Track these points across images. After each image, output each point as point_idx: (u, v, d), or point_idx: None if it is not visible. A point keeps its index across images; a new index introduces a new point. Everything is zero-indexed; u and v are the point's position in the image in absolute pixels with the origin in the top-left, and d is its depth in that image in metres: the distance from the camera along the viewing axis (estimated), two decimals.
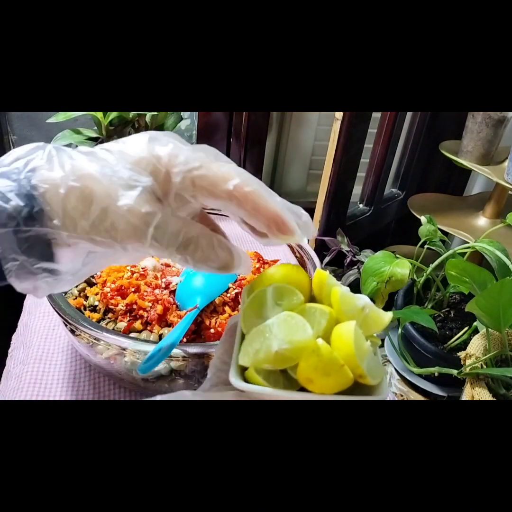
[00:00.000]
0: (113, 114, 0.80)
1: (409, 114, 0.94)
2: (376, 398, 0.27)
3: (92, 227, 0.27)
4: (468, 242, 0.69)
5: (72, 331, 0.47)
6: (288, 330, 0.27)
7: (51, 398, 0.49)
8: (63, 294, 0.50)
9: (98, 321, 0.50)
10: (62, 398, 0.50)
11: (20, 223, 0.26)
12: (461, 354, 0.52)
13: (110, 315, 0.50)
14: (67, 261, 0.28)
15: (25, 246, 0.27)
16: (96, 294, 0.52)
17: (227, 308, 0.50)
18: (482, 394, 0.48)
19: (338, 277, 0.75)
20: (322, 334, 0.28)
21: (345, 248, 0.74)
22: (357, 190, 0.86)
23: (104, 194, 0.27)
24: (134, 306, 0.49)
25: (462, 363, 0.52)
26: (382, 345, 0.74)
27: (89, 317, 0.49)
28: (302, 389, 0.28)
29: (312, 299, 0.31)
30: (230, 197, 0.28)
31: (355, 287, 0.70)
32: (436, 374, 0.59)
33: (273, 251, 0.64)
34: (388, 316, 0.30)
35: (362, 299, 0.29)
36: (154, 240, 0.27)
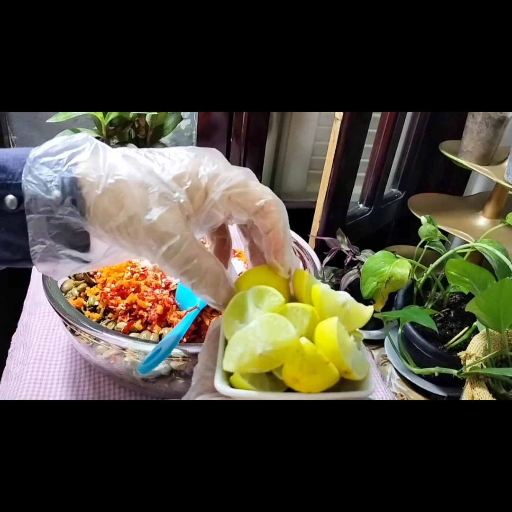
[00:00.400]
0: (113, 114, 0.80)
1: (409, 114, 0.94)
2: (364, 393, 0.27)
3: (117, 229, 0.28)
4: (468, 242, 0.69)
5: (72, 331, 0.47)
6: (271, 331, 0.27)
7: (51, 398, 0.49)
8: (63, 294, 0.50)
9: (98, 321, 0.50)
10: (62, 398, 0.50)
11: (54, 211, 0.28)
12: (461, 354, 0.52)
13: (110, 315, 0.50)
14: (90, 250, 0.30)
15: (55, 233, 0.28)
16: (96, 294, 0.52)
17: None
18: (482, 394, 0.48)
19: (338, 277, 0.75)
20: (305, 333, 0.28)
21: (345, 248, 0.74)
22: (357, 190, 0.86)
23: (135, 203, 0.28)
24: (134, 306, 0.49)
25: (462, 363, 0.52)
26: (382, 345, 0.74)
27: (89, 317, 0.49)
28: (289, 390, 0.28)
29: (291, 299, 0.31)
30: (258, 212, 0.31)
31: (355, 287, 0.70)
32: (436, 374, 0.59)
33: None
34: (369, 310, 0.30)
35: (343, 295, 0.30)
36: (164, 258, 0.29)
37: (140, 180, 0.28)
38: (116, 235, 0.29)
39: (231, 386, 0.27)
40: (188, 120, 1.02)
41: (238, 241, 0.68)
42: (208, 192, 0.30)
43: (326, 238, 0.75)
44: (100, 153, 0.29)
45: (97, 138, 0.83)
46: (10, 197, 0.27)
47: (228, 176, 0.30)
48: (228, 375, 0.28)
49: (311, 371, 0.26)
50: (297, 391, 0.27)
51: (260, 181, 1.07)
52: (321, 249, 0.78)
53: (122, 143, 0.85)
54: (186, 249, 0.29)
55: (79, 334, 0.46)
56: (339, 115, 0.71)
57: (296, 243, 0.62)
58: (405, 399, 0.65)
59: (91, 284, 0.54)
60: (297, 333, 0.27)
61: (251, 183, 0.31)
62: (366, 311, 0.30)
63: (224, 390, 0.27)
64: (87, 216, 0.28)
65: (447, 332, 0.65)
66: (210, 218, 0.31)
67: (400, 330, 0.66)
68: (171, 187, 0.29)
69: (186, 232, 0.29)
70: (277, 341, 0.26)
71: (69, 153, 0.28)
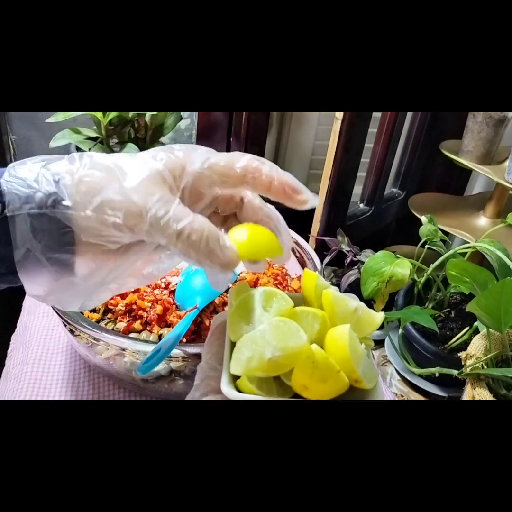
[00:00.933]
0: (112, 114, 0.80)
1: (409, 114, 0.93)
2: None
3: (100, 207, 0.27)
4: (468, 242, 0.69)
5: (72, 331, 0.47)
6: (281, 336, 0.26)
7: (51, 398, 0.49)
8: None
9: (98, 321, 0.49)
10: (62, 398, 0.50)
11: (36, 207, 0.27)
12: (462, 355, 0.52)
13: (109, 315, 0.50)
14: (82, 265, 0.29)
15: (38, 231, 0.27)
16: None
17: (227, 308, 0.50)
18: (482, 394, 0.48)
19: (339, 277, 0.74)
20: (315, 339, 0.27)
21: (345, 248, 0.73)
22: (357, 190, 0.86)
23: (115, 178, 0.28)
24: (134, 306, 0.49)
25: (462, 363, 0.52)
26: (382, 346, 0.74)
27: (88, 317, 0.49)
28: (296, 395, 0.27)
29: (300, 301, 0.31)
30: (245, 173, 0.30)
31: (355, 287, 0.70)
32: (437, 375, 0.59)
33: None
34: (380, 316, 0.30)
35: (354, 300, 0.29)
36: (154, 220, 0.27)
37: (118, 162, 0.28)
38: (100, 214, 0.27)
39: (238, 389, 0.27)
40: (188, 120, 1.02)
41: None
42: (186, 166, 0.29)
43: (326, 238, 0.75)
44: (77, 157, 0.29)
45: (97, 137, 0.83)
46: None
47: (202, 152, 0.30)
48: (234, 378, 0.27)
49: (321, 379, 0.26)
50: (305, 398, 0.27)
51: None
52: (321, 249, 0.78)
53: (122, 142, 0.85)
54: (177, 210, 0.27)
55: (79, 335, 0.46)
56: (339, 115, 0.71)
57: (296, 243, 0.62)
58: (406, 399, 0.65)
59: None
60: (308, 339, 0.26)
61: (220, 153, 0.30)
62: (377, 317, 0.29)
63: (231, 394, 0.26)
64: (68, 202, 0.27)
65: (448, 333, 0.65)
66: (195, 197, 0.30)
67: (400, 330, 0.66)
68: (149, 160, 0.29)
69: (173, 196, 0.28)
70: (287, 347, 0.26)
71: (47, 159, 0.29)
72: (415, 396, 0.65)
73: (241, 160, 0.30)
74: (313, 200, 0.31)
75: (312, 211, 0.80)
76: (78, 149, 0.82)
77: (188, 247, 0.27)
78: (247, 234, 0.29)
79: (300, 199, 0.31)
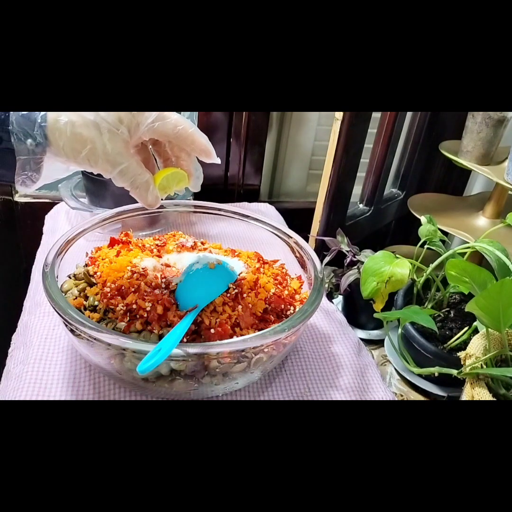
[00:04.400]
0: None
1: (409, 114, 0.94)
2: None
3: (81, 159, 0.40)
4: (468, 242, 0.69)
5: (72, 331, 0.47)
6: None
7: (51, 398, 0.49)
8: (63, 294, 0.50)
9: (98, 321, 0.50)
10: (62, 398, 0.50)
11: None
12: (461, 354, 0.52)
13: (110, 315, 0.50)
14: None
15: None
16: (96, 294, 0.52)
17: (227, 308, 0.50)
18: (482, 394, 0.48)
19: (338, 277, 0.75)
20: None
21: (345, 248, 0.74)
22: (357, 190, 0.86)
23: (94, 133, 0.40)
24: (134, 306, 0.49)
25: (462, 363, 0.52)
26: (382, 345, 0.74)
27: (89, 317, 0.49)
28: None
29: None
30: (177, 136, 0.45)
31: (355, 287, 0.70)
32: (436, 374, 0.59)
33: (273, 251, 0.64)
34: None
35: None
36: (117, 177, 0.42)
37: (92, 120, 0.40)
38: (80, 162, 0.40)
39: None
40: (188, 120, 1.02)
41: (241, 241, 0.69)
42: (140, 125, 0.42)
43: (326, 238, 0.75)
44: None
45: None
46: None
47: (152, 113, 0.42)
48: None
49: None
50: None
51: (260, 181, 1.06)
52: (321, 249, 0.78)
53: None
54: (132, 170, 0.42)
55: (79, 334, 0.46)
56: (339, 115, 0.71)
57: (296, 243, 0.62)
58: (405, 399, 0.65)
59: (91, 284, 0.54)
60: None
61: (166, 114, 0.43)
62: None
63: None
64: (55, 148, 0.39)
65: (447, 332, 0.65)
66: (139, 141, 0.46)
67: (400, 330, 0.66)
68: (115, 125, 0.41)
69: (130, 159, 0.42)
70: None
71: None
72: (414, 396, 0.65)
73: (177, 126, 0.45)
74: (214, 158, 0.47)
75: (312, 211, 0.81)
76: None
77: (133, 190, 0.44)
78: (163, 175, 0.47)
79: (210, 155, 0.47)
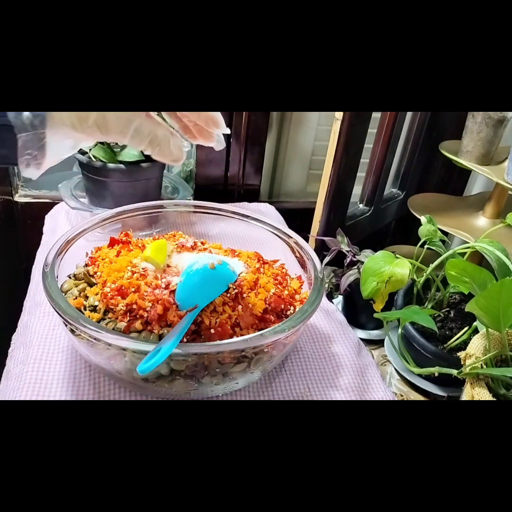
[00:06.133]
0: None
1: (409, 114, 0.94)
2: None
3: (85, 122, 0.37)
4: (468, 242, 0.69)
5: (72, 331, 0.47)
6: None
7: (51, 398, 0.49)
8: (63, 294, 0.50)
9: (98, 321, 0.50)
10: (62, 398, 0.50)
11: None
12: (461, 354, 0.52)
13: (110, 315, 0.50)
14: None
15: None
16: (96, 294, 0.52)
17: (227, 308, 0.50)
18: (482, 394, 0.48)
19: (338, 277, 0.75)
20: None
21: (345, 248, 0.74)
22: (357, 190, 0.86)
23: None
24: (134, 306, 0.49)
25: (462, 363, 0.52)
26: (382, 345, 0.74)
27: (89, 317, 0.49)
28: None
29: None
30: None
31: (355, 287, 0.70)
32: (436, 374, 0.59)
33: (273, 251, 0.64)
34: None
35: None
36: (132, 138, 0.39)
37: None
38: (88, 131, 0.37)
39: None
40: None
41: (240, 241, 0.69)
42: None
43: (326, 238, 0.75)
44: None
45: None
46: None
47: None
48: None
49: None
50: None
51: (260, 181, 1.06)
52: (321, 249, 0.78)
53: None
54: (147, 125, 0.40)
55: (79, 334, 0.46)
56: (339, 115, 0.71)
57: (296, 243, 0.62)
58: (405, 399, 0.65)
59: (91, 284, 0.54)
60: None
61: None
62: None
63: None
64: (67, 121, 0.37)
65: (447, 332, 0.65)
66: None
67: (400, 330, 0.66)
68: None
69: (142, 115, 0.39)
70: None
71: None
72: (414, 396, 0.65)
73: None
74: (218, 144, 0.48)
75: (312, 211, 0.81)
76: (79, 150, 0.82)
77: (149, 150, 0.41)
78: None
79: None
